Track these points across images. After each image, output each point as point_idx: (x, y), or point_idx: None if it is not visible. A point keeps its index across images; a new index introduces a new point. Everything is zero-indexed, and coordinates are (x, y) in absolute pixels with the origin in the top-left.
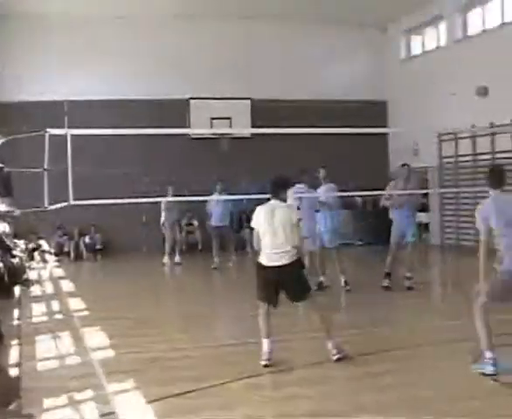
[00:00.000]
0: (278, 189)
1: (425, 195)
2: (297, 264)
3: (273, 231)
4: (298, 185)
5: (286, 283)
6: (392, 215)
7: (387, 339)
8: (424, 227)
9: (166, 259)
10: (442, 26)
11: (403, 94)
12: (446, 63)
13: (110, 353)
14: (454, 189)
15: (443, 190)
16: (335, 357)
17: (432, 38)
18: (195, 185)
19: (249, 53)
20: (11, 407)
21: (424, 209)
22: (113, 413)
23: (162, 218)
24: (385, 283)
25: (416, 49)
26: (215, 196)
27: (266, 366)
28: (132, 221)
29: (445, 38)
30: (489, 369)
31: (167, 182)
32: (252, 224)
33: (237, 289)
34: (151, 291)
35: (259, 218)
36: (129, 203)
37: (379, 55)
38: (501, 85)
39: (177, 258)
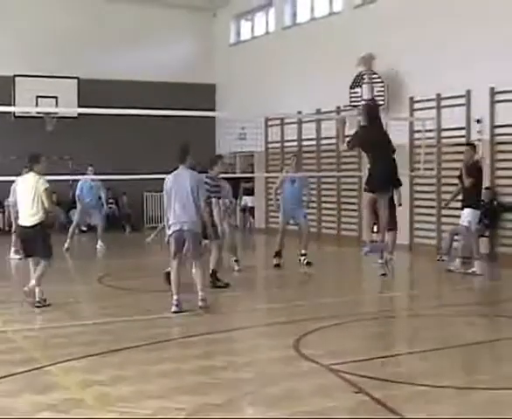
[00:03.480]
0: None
1: (251, 179)
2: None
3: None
4: None
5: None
6: None
7: (207, 323)
8: (249, 211)
9: None
10: (271, 12)
11: (231, 78)
12: (273, 48)
13: None
14: (279, 174)
15: (267, 175)
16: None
17: (262, 24)
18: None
19: (79, 32)
20: None
21: (249, 193)
22: None
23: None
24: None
25: (245, 34)
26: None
27: None
28: None
29: (273, 24)
30: (173, 309)
31: None
32: None
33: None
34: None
35: None
36: None
37: (209, 38)
38: (328, 73)
39: None
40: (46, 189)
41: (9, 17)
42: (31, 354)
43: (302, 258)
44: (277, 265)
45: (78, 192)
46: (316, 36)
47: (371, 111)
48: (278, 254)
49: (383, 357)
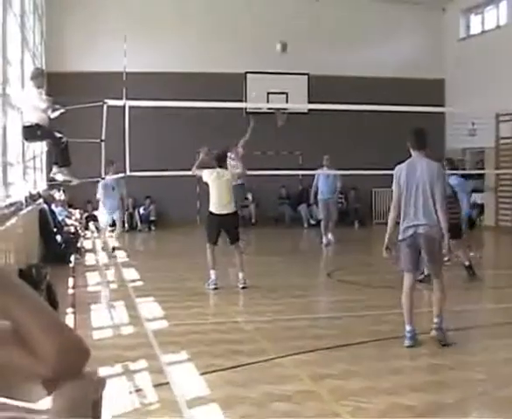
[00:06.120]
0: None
1: (481, 175)
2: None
3: (219, 190)
4: None
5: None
6: None
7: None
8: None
9: None
10: (503, 5)
11: (461, 73)
12: (505, 42)
13: (164, 323)
14: (511, 171)
15: (499, 172)
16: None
17: (492, 18)
18: (251, 160)
19: (308, 29)
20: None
21: (479, 190)
22: (166, 383)
23: None
24: None
25: (475, 28)
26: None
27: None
28: (186, 193)
29: (505, 18)
30: (406, 343)
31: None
32: None
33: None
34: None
35: None
36: (184, 176)
37: (438, 34)
38: None
39: None
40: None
41: (238, 16)
42: (263, 345)
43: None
44: None
45: (315, 184)
46: None
47: None
48: None
49: None
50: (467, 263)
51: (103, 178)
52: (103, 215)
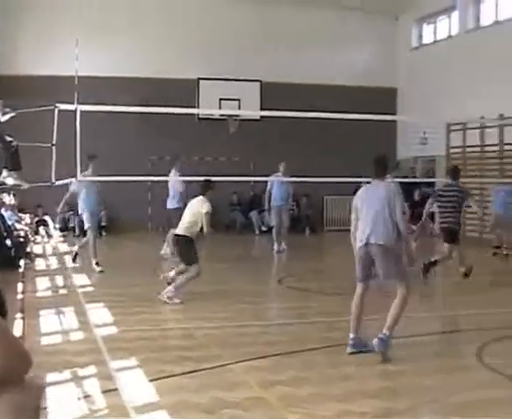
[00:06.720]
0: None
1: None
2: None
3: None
4: None
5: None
6: None
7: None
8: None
9: None
10: (455, 15)
11: (413, 83)
12: (456, 52)
13: (113, 329)
14: (461, 180)
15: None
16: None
17: (444, 28)
18: (202, 166)
19: (261, 36)
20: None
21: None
22: (115, 389)
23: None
24: None
25: (427, 38)
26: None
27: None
28: (137, 199)
29: (457, 28)
30: (348, 350)
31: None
32: None
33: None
34: (155, 269)
35: None
36: (135, 181)
37: (390, 43)
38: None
39: None
40: (207, 213)
41: (191, 22)
42: (213, 352)
43: None
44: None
45: (268, 190)
46: (500, 39)
47: None
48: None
49: None
50: (433, 259)
51: (53, 183)
52: (85, 215)
